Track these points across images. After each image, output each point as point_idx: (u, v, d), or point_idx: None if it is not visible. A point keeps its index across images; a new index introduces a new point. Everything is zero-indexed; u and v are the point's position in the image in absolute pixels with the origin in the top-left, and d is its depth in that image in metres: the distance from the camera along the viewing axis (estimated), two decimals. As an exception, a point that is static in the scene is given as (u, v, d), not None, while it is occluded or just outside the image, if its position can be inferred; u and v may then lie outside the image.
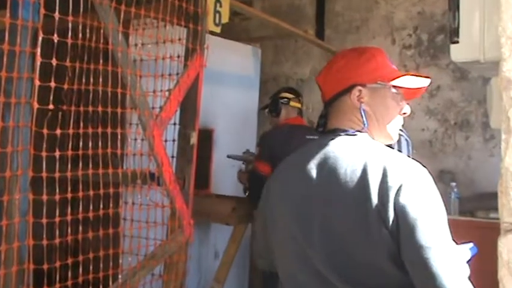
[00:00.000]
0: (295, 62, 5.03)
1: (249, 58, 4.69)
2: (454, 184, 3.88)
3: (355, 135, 1.37)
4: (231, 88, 4.37)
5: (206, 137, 4.07)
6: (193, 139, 2.58)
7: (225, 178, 4.21)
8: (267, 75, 5.07)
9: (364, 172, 1.23)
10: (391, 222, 1.18)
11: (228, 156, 3.88)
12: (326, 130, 1.44)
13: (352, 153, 1.30)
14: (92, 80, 2.09)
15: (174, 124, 2.56)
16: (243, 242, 3.89)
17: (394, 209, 1.18)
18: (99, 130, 2.10)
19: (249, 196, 3.43)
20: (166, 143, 2.43)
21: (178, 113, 2.57)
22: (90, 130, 2.07)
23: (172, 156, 2.52)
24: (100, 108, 2.08)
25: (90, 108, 2.05)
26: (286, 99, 3.58)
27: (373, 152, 1.29)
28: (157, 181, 2.34)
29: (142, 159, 2.31)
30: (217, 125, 4.23)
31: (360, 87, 1.37)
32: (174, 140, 2.55)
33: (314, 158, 1.36)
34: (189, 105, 2.58)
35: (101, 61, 2.07)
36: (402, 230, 1.18)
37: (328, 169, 1.30)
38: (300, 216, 1.32)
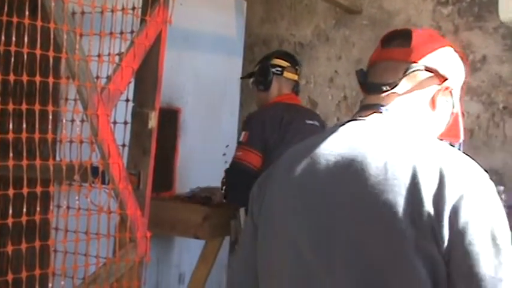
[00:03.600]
0: (292, 20, 5.03)
1: (231, 13, 4.67)
2: (501, 188, 3.92)
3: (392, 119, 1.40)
4: (205, 54, 4.36)
5: (170, 119, 4.06)
6: (152, 122, 2.57)
7: (195, 175, 4.21)
8: (255, 37, 5.06)
9: (414, 176, 1.22)
10: (445, 244, 1.18)
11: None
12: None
13: (391, 148, 1.30)
14: (14, 38, 2.07)
15: (127, 101, 2.55)
16: (218, 261, 3.90)
17: (450, 227, 1.18)
18: (23, 107, 2.08)
19: (227, 195, 3.40)
20: (115, 126, 2.42)
21: (132, 85, 2.56)
22: (10, 107, 2.06)
23: (123, 145, 2.51)
24: (25, 77, 2.06)
25: (11, 77, 2.03)
26: (279, 68, 3.53)
27: (423, 146, 1.30)
28: (101, 178, 2.34)
29: (81, 148, 2.30)
30: (185, 104, 4.22)
31: None
32: (125, 123, 2.54)
33: (334, 150, 1.34)
34: (147, 76, 2.57)
35: (27, 13, 2.05)
36: (460, 256, 1.18)
37: (356, 168, 1.29)
38: (314, 233, 1.30)
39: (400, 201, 1.21)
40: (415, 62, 1.40)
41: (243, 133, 3.38)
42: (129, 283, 2.49)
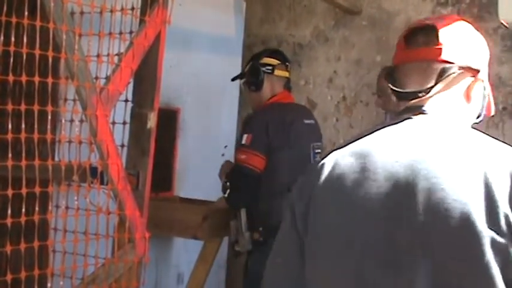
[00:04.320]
0: (291, 21, 5.02)
1: (230, 14, 4.68)
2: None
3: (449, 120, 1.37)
4: (204, 54, 4.36)
5: (169, 119, 4.06)
6: (151, 122, 2.57)
7: (194, 176, 4.21)
8: (254, 37, 5.06)
9: (486, 180, 1.20)
10: None
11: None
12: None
13: (457, 153, 1.27)
14: (13, 38, 2.07)
15: (126, 101, 2.55)
16: (216, 262, 3.90)
17: None
18: (22, 107, 2.08)
19: (230, 198, 3.39)
20: (114, 126, 2.42)
21: (131, 86, 2.56)
22: (9, 107, 2.06)
23: (122, 146, 2.51)
24: (24, 78, 2.06)
25: (11, 77, 2.03)
26: (269, 67, 3.48)
27: (489, 150, 1.28)
28: (100, 178, 2.34)
29: (80, 148, 2.30)
30: (184, 104, 4.22)
31: None
32: (124, 123, 2.54)
33: (396, 159, 1.28)
34: (146, 76, 2.57)
35: (26, 13, 2.05)
36: None
37: (425, 177, 1.24)
38: (384, 246, 1.24)
39: (475, 208, 1.19)
40: (446, 62, 1.36)
41: (245, 135, 3.32)
42: (128, 283, 2.49)
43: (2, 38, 2.04)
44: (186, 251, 4.17)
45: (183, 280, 4.14)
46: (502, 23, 3.73)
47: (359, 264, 1.26)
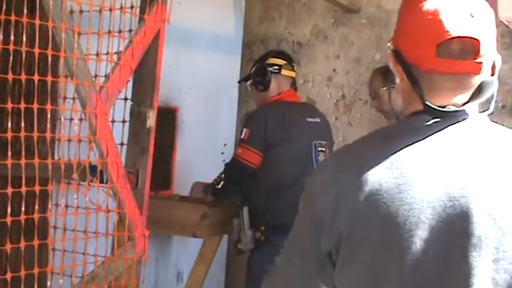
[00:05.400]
0: (291, 19, 5.02)
1: (229, 12, 4.67)
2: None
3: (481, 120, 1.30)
4: (203, 53, 4.36)
5: (168, 117, 4.06)
6: (151, 120, 2.57)
7: (193, 174, 4.21)
8: (253, 36, 5.06)
9: None
10: None
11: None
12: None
13: (507, 152, 1.25)
14: (12, 37, 2.07)
15: (125, 99, 2.55)
16: (216, 260, 3.91)
17: None
18: (22, 106, 2.09)
19: (223, 190, 3.45)
20: (113, 124, 2.42)
21: (130, 84, 2.56)
22: (9, 105, 2.06)
23: (122, 144, 2.51)
24: (23, 76, 2.06)
25: (10, 76, 2.04)
26: (276, 67, 3.56)
27: None
28: (100, 177, 2.34)
29: (80, 147, 2.30)
30: (183, 103, 4.22)
31: None
32: (124, 121, 2.55)
33: (456, 156, 1.22)
34: (145, 75, 2.57)
35: (25, 11, 2.05)
36: None
37: (481, 186, 1.19)
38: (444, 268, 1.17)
39: None
40: (482, 74, 1.27)
41: (245, 130, 3.41)
42: (128, 281, 2.49)
43: (1, 36, 2.04)
44: (185, 249, 4.17)
45: (183, 278, 4.15)
46: (501, 21, 3.73)
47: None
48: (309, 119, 3.48)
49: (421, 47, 1.25)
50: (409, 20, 1.30)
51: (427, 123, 1.25)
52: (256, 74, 3.58)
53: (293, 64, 3.65)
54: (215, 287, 4.43)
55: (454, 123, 1.25)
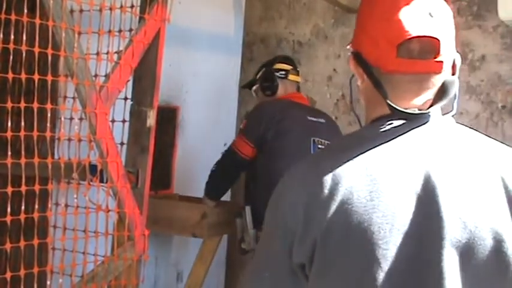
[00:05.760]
0: (291, 19, 5.02)
1: (229, 12, 4.67)
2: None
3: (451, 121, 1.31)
4: (203, 52, 4.36)
5: (168, 117, 4.06)
6: (151, 120, 2.57)
7: (193, 174, 4.21)
8: (253, 35, 5.06)
9: (507, 189, 1.20)
10: None
11: None
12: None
13: (474, 154, 1.25)
14: (12, 36, 2.07)
15: (125, 99, 2.55)
16: (216, 260, 3.91)
17: None
18: (22, 105, 2.08)
19: (213, 173, 3.51)
20: (113, 124, 2.42)
21: (130, 84, 2.56)
22: (9, 105, 2.06)
23: (122, 143, 2.51)
24: (23, 75, 2.06)
25: (10, 75, 2.04)
26: (283, 72, 3.62)
27: (500, 151, 1.26)
28: (100, 176, 2.34)
29: (80, 146, 2.30)
30: (183, 102, 4.22)
31: None
32: (124, 121, 2.55)
33: (425, 159, 1.21)
34: (145, 74, 2.57)
35: (25, 11, 2.05)
36: None
37: (454, 185, 1.20)
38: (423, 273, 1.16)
39: (501, 212, 1.19)
40: (443, 73, 1.26)
41: (244, 121, 3.53)
42: (127, 281, 2.49)
43: (1, 35, 2.04)
44: (185, 249, 4.17)
45: (183, 278, 4.15)
46: (502, 21, 3.74)
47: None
48: (310, 118, 3.49)
49: (381, 48, 1.24)
50: (368, 21, 1.29)
51: (393, 127, 1.24)
52: (264, 79, 3.64)
53: (298, 69, 3.72)
54: (215, 287, 4.43)
55: (420, 126, 1.25)
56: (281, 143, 3.32)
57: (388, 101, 1.24)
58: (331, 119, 3.75)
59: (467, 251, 1.16)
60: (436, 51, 1.23)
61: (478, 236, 1.16)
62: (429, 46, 1.23)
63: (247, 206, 3.35)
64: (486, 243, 1.16)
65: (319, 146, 3.42)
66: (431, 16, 1.24)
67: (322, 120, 3.56)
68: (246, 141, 3.39)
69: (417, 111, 1.25)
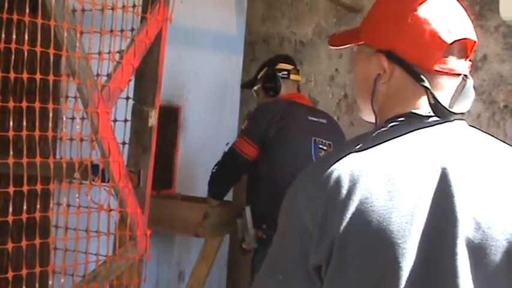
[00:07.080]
0: (293, 19, 5.02)
1: (231, 11, 4.67)
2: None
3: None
4: (205, 52, 4.36)
5: (170, 116, 4.06)
6: (153, 119, 2.57)
7: (195, 173, 4.21)
8: (255, 35, 5.06)
9: None
10: None
11: None
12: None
13: (489, 155, 1.26)
14: (14, 36, 2.07)
15: (127, 98, 2.55)
16: (218, 259, 3.90)
17: None
18: (24, 105, 2.08)
19: (215, 173, 3.52)
20: (115, 123, 2.42)
21: (132, 83, 2.56)
22: (11, 104, 2.06)
23: (124, 143, 2.51)
24: (25, 75, 2.06)
25: (12, 75, 2.03)
26: (285, 72, 3.62)
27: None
28: (101, 176, 2.34)
29: (82, 146, 2.30)
30: (186, 101, 4.22)
31: None
32: (126, 120, 2.55)
33: (442, 159, 1.21)
34: (147, 74, 2.57)
35: (27, 10, 2.05)
36: None
37: (478, 188, 1.20)
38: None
39: None
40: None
41: (246, 121, 3.52)
42: (129, 281, 2.49)
43: (3, 35, 2.04)
44: (187, 249, 4.17)
45: (184, 278, 4.14)
46: (503, 21, 3.73)
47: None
48: (311, 118, 3.49)
49: (428, 48, 1.25)
50: (408, 21, 1.28)
51: (409, 126, 1.25)
52: (266, 79, 3.63)
53: (298, 69, 3.73)
54: (217, 286, 4.43)
55: (436, 125, 1.26)
56: (282, 143, 3.32)
57: (434, 96, 1.25)
58: (333, 119, 3.75)
59: (479, 251, 1.16)
60: (469, 53, 1.29)
61: (491, 236, 1.16)
62: (465, 47, 1.28)
63: (248, 206, 3.36)
64: (498, 244, 1.16)
65: (320, 146, 3.42)
66: (467, 18, 1.29)
67: (324, 120, 3.56)
68: (248, 141, 3.39)
69: (457, 111, 1.28)
